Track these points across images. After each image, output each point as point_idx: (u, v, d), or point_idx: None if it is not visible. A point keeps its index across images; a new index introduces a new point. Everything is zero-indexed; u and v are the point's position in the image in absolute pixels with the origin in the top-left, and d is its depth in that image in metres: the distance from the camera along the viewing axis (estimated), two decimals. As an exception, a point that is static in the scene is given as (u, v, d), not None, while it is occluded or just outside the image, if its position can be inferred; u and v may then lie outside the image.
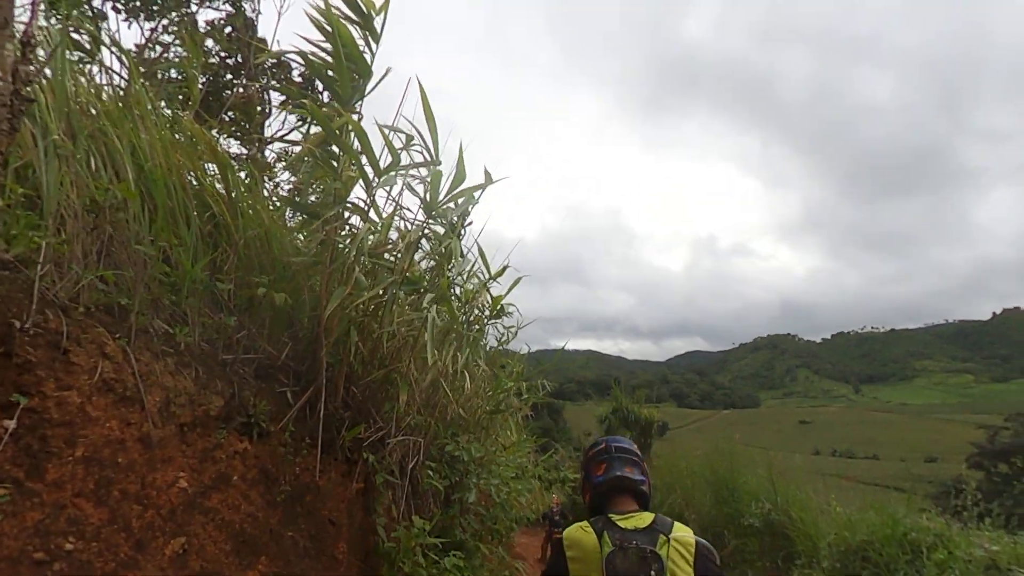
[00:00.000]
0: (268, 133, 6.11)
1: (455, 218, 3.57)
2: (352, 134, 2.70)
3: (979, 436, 42.02)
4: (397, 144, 2.98)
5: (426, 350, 3.04)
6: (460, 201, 3.33)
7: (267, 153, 6.00)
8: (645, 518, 1.67)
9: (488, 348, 5.27)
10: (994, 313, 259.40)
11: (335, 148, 2.85)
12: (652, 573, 1.54)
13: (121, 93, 2.73)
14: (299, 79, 6.58)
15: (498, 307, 4.57)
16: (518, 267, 4.51)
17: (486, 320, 4.55)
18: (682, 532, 1.64)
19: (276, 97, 6.48)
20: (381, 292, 3.02)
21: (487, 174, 3.37)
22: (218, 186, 2.86)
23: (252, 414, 2.47)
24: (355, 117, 2.72)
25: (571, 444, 27.71)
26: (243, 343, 2.65)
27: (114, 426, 1.87)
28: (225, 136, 5.40)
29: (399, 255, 3.22)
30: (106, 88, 2.78)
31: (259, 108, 5.93)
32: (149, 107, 2.61)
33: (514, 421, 5.53)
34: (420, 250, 3.67)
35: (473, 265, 4.36)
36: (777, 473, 6.84)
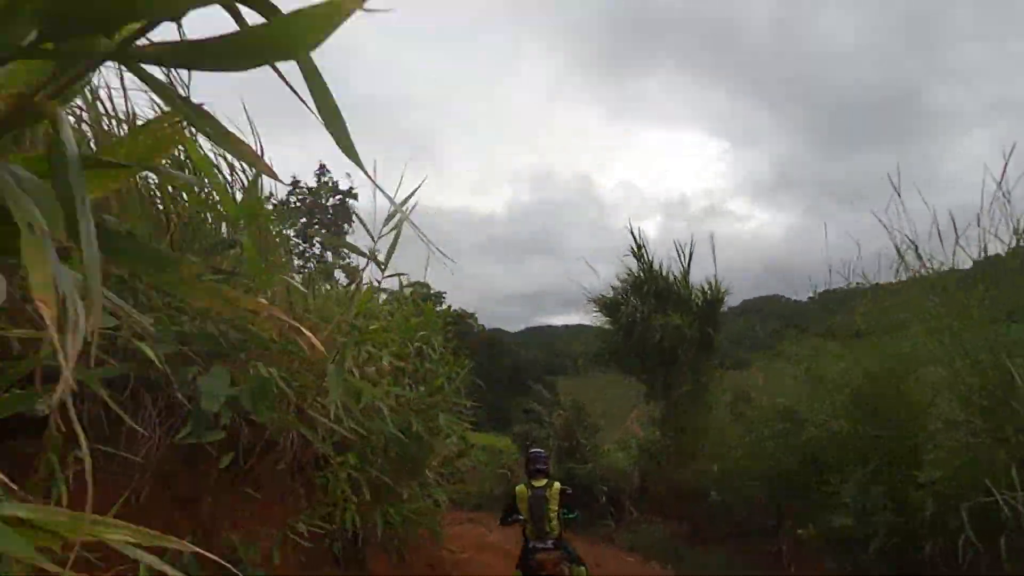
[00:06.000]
0: None
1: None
2: None
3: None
4: None
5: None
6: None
7: None
8: (542, 482, 4.85)
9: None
10: (974, 260, 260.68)
11: None
12: (543, 503, 4.69)
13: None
14: None
15: None
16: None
17: None
18: (556, 484, 4.87)
19: None
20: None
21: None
22: None
23: None
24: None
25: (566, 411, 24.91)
26: None
27: None
28: None
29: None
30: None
31: None
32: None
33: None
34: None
35: None
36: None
